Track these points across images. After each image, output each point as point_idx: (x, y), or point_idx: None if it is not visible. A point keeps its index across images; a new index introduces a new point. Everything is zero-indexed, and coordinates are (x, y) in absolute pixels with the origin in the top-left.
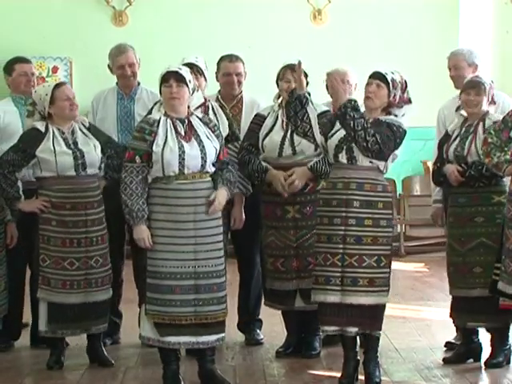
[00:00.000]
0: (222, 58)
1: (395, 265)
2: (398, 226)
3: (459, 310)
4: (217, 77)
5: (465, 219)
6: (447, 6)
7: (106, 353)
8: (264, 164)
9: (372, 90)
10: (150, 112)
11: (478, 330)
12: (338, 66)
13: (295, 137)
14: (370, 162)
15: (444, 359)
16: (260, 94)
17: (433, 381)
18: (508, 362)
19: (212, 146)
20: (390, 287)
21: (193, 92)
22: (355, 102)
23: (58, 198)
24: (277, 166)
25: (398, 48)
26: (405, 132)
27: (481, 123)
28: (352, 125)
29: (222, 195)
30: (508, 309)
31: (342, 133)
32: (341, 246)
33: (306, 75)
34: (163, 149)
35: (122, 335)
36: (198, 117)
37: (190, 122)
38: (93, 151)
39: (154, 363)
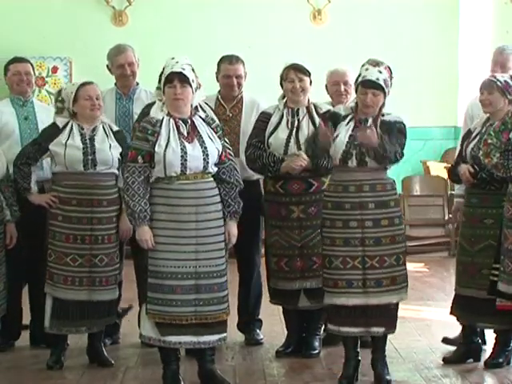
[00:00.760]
0: (222, 59)
1: None
2: None
3: (464, 308)
4: (217, 77)
5: (475, 220)
6: (447, 6)
7: (105, 353)
8: (278, 154)
9: (370, 100)
10: (144, 111)
11: (477, 330)
12: (337, 66)
13: (300, 135)
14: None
15: (444, 359)
16: (260, 93)
17: (433, 381)
18: (508, 363)
19: (214, 147)
20: None
21: (196, 90)
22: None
23: (65, 193)
24: None
25: (398, 48)
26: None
27: (499, 123)
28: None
29: (232, 229)
30: (505, 310)
31: (346, 137)
32: (360, 248)
33: (309, 74)
34: (165, 149)
35: (121, 335)
36: (200, 117)
37: (192, 122)
38: (106, 149)
39: (153, 363)
